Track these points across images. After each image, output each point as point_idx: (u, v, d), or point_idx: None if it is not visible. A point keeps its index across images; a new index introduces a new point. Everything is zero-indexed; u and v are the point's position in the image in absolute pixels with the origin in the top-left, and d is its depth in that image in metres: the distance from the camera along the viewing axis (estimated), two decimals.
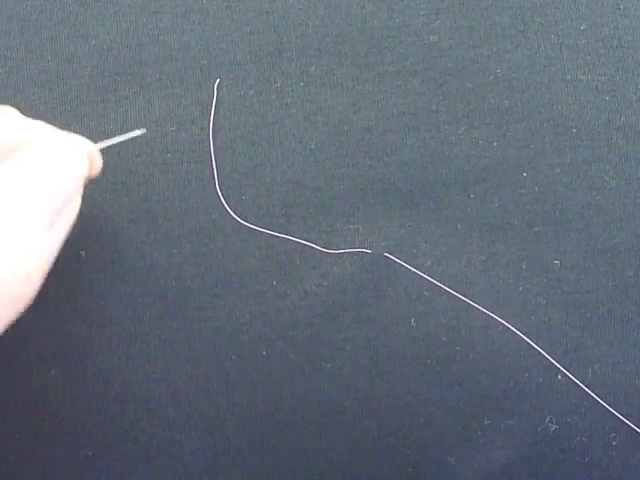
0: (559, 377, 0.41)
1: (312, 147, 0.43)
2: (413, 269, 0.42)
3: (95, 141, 0.35)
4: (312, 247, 0.42)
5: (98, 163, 0.35)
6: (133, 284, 0.42)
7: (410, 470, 0.42)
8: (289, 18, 0.44)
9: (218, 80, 0.43)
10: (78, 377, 0.42)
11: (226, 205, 0.42)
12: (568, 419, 0.42)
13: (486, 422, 0.42)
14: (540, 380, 0.42)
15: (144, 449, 0.42)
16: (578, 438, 0.42)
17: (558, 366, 0.41)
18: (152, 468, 0.42)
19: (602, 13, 0.43)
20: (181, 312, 0.42)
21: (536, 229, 0.42)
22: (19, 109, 0.43)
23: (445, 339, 0.42)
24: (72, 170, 0.31)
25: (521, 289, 0.42)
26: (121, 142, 0.35)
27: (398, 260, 0.42)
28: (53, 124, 0.43)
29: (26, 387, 0.42)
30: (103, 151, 0.36)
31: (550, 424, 0.42)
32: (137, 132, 0.34)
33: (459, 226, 0.42)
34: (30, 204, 0.28)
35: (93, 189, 0.43)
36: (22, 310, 0.29)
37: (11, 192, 0.28)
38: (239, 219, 0.42)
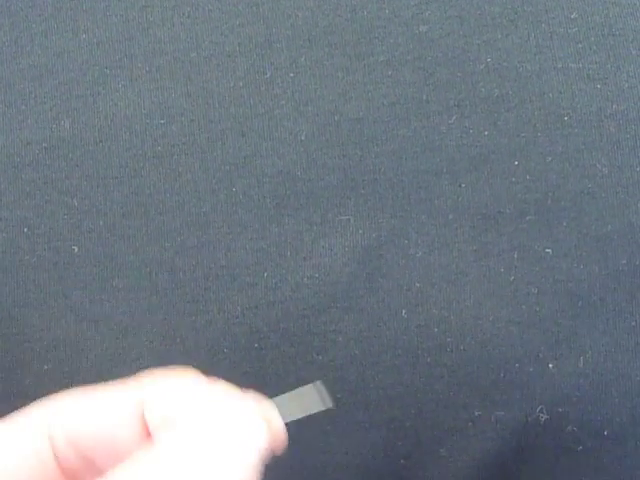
0: (550, 367, 0.41)
1: (302, 138, 0.43)
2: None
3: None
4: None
5: (279, 432, 0.29)
6: (125, 278, 0.42)
7: (402, 462, 0.42)
8: (278, 9, 0.43)
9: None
10: (71, 372, 0.42)
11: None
12: (559, 409, 0.42)
13: (477, 413, 0.42)
14: (531, 370, 0.41)
15: None
16: (569, 428, 0.42)
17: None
18: None
19: (593, 1, 0.42)
20: (173, 306, 0.42)
21: (528, 218, 0.42)
22: (9, 104, 0.44)
23: (436, 330, 0.42)
24: (244, 448, 0.26)
25: (512, 278, 0.42)
26: None
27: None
28: (43, 119, 0.44)
29: (19, 382, 0.42)
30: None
31: (541, 414, 0.42)
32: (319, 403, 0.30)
33: (450, 216, 0.42)
34: None
35: (85, 185, 0.43)
36: None
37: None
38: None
